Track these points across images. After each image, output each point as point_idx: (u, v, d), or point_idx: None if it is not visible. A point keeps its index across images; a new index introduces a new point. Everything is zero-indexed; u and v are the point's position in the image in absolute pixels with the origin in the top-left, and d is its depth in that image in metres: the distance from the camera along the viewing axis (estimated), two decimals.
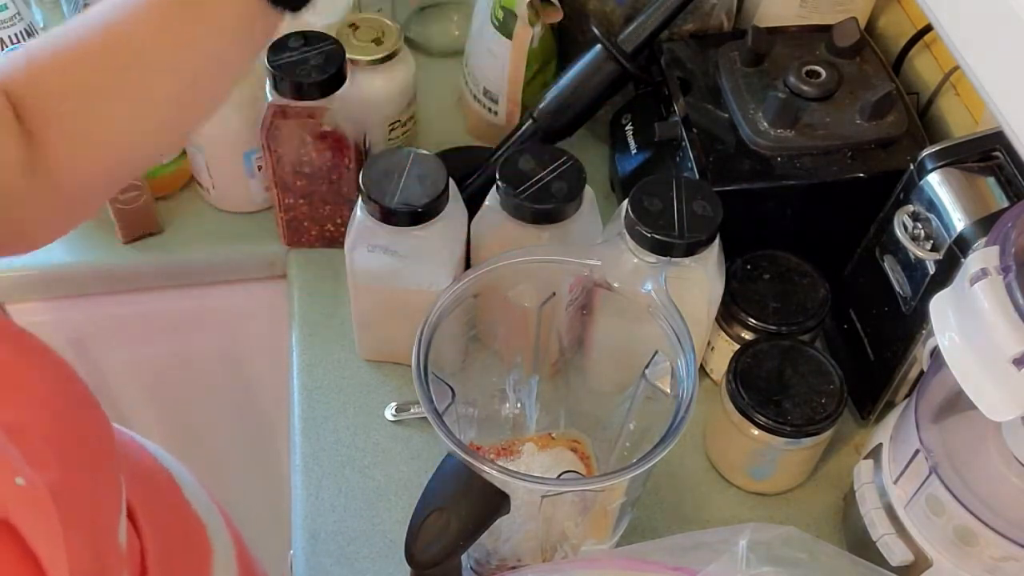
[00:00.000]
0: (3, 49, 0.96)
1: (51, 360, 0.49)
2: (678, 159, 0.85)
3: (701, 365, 0.87)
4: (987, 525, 0.63)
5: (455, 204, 0.79)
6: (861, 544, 0.73)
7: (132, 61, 0.56)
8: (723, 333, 0.83)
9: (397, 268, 0.78)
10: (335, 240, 0.96)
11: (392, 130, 0.96)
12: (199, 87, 0.59)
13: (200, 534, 0.64)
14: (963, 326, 0.57)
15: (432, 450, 0.83)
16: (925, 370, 0.70)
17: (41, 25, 1.02)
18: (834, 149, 0.81)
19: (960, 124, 0.87)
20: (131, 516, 0.55)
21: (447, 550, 0.59)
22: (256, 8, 0.57)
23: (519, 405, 0.78)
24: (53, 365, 0.49)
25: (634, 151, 0.92)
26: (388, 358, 0.88)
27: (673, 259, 0.70)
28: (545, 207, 0.76)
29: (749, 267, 0.84)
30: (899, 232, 0.74)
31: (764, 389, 0.77)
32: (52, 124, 0.54)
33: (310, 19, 0.95)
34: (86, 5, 0.87)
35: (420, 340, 0.64)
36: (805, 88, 0.82)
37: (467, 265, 0.83)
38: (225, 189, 0.98)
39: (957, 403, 0.66)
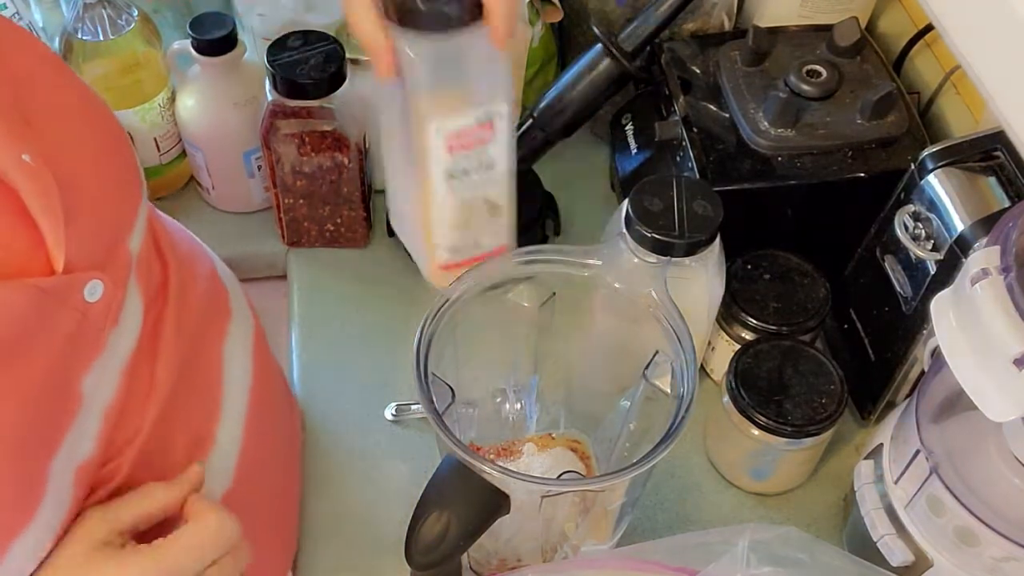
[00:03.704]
0: None
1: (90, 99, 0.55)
2: (678, 159, 0.85)
3: (701, 365, 0.87)
4: (988, 525, 0.63)
5: None
6: (861, 544, 0.73)
7: None
8: (723, 333, 0.83)
9: None
10: (335, 240, 0.96)
11: None
12: None
13: (222, 297, 0.68)
14: (964, 326, 0.57)
15: (432, 450, 0.83)
16: (926, 370, 0.70)
17: (40, 25, 1.02)
18: (835, 149, 0.81)
19: (961, 124, 0.87)
20: (159, 250, 0.60)
21: (447, 550, 0.59)
22: None
23: (519, 405, 0.78)
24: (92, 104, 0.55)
25: (634, 151, 0.92)
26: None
27: (673, 259, 0.70)
28: None
29: (749, 267, 0.84)
30: (900, 232, 0.74)
31: (764, 389, 0.76)
32: None
33: (310, 19, 0.95)
34: (86, 6, 0.87)
35: (420, 340, 0.64)
36: (806, 88, 0.82)
37: None
38: (225, 189, 0.98)
39: (958, 403, 0.66)
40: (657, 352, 0.68)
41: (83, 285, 0.49)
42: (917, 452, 0.67)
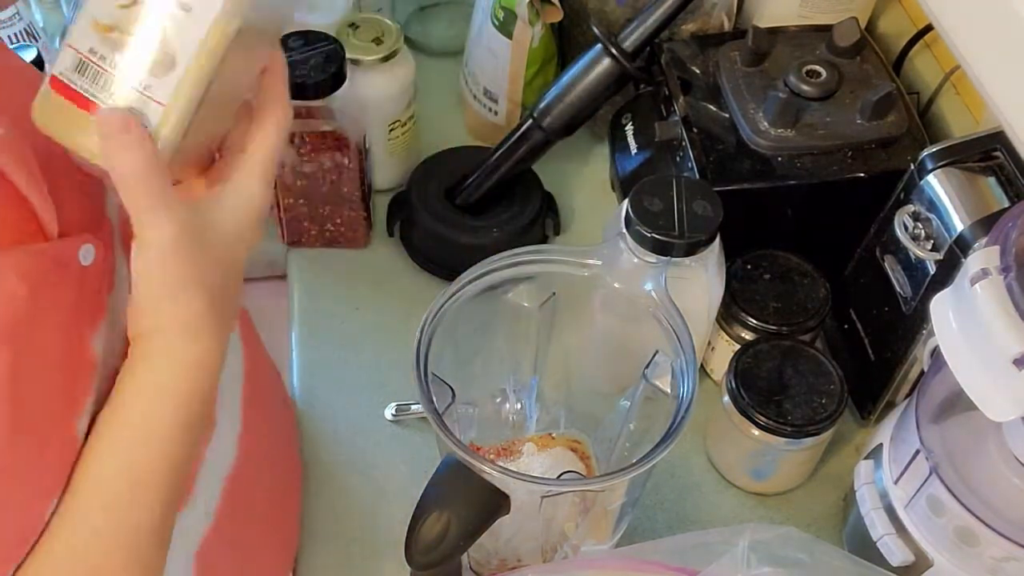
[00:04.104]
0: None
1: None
2: (678, 159, 0.85)
3: (701, 365, 0.87)
4: (988, 525, 0.63)
5: None
6: (861, 544, 0.73)
7: None
8: (723, 333, 0.83)
9: None
10: (335, 240, 0.96)
11: (392, 130, 0.96)
12: None
13: None
14: (964, 326, 0.57)
15: (432, 450, 0.83)
16: (925, 370, 0.70)
17: (41, 25, 1.02)
18: (834, 149, 0.81)
19: (961, 124, 0.87)
20: None
21: (447, 551, 0.59)
22: None
23: (519, 405, 0.78)
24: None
25: (634, 151, 0.92)
26: None
27: (673, 259, 0.70)
28: None
29: (749, 267, 0.84)
30: (899, 232, 0.74)
31: (764, 389, 0.76)
32: None
33: (310, 19, 0.95)
34: None
35: (420, 340, 0.64)
36: (805, 88, 0.82)
37: None
38: None
39: (957, 403, 0.66)
40: (657, 352, 0.68)
41: (77, 249, 0.50)
42: (917, 452, 0.67)
